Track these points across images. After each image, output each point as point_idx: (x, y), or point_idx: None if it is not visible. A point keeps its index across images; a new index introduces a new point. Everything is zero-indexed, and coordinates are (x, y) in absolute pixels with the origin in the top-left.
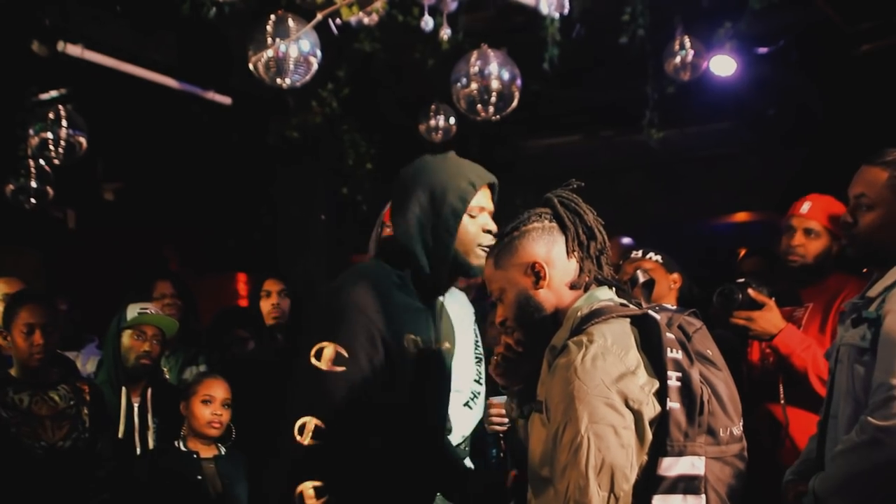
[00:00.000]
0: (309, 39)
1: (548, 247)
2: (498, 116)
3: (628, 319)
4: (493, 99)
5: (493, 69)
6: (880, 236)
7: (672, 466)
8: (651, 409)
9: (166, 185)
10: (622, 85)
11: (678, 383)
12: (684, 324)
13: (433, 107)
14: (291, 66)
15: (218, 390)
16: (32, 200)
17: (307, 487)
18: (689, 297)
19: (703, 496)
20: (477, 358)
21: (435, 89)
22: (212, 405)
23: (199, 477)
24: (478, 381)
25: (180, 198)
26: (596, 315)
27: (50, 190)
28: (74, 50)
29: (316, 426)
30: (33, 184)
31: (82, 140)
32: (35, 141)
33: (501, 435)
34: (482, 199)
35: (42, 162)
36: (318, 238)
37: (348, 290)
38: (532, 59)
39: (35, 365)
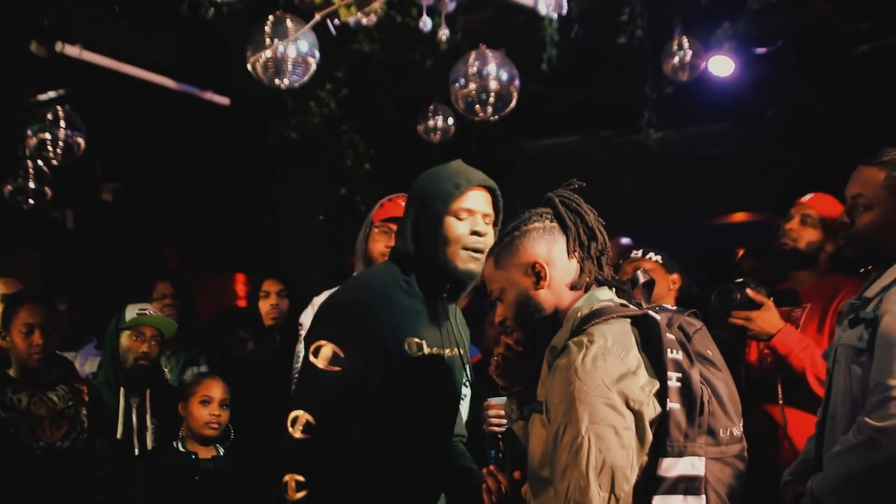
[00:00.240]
0: (307, 40)
1: (549, 247)
2: (496, 117)
3: (629, 320)
4: (492, 99)
5: (492, 70)
6: (878, 236)
7: (672, 467)
8: (651, 410)
9: (165, 186)
10: (621, 85)
11: (678, 384)
12: (684, 324)
13: (432, 107)
14: (290, 67)
15: (216, 391)
16: (31, 201)
17: (291, 479)
18: (689, 297)
19: (704, 497)
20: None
21: (433, 90)
22: (210, 406)
23: (198, 478)
24: (465, 385)
25: (179, 198)
26: (596, 315)
27: (48, 190)
28: (73, 50)
29: (307, 421)
30: (32, 184)
31: (81, 141)
32: (33, 141)
33: (500, 436)
34: (472, 202)
35: (40, 162)
36: (317, 238)
37: (352, 290)
38: (530, 59)
39: (34, 365)
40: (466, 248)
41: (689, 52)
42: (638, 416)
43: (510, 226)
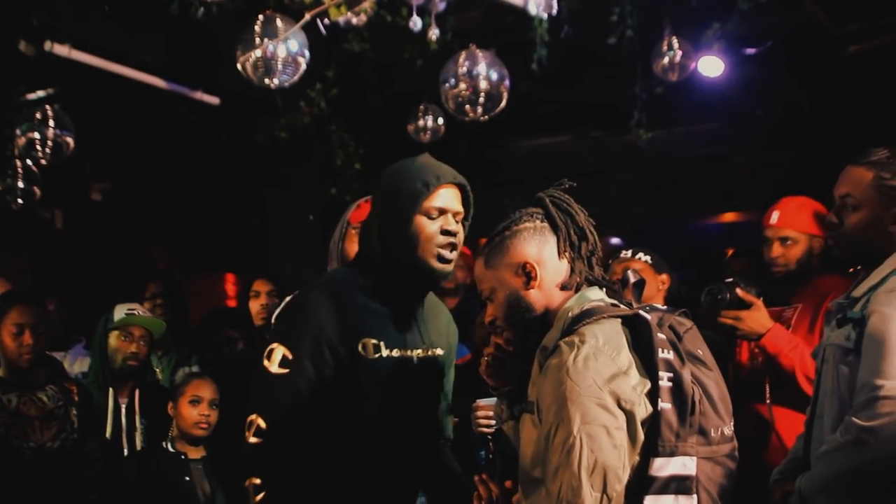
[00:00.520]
0: (297, 39)
1: (539, 247)
2: (486, 117)
3: (619, 320)
4: (482, 99)
5: (482, 69)
6: (866, 236)
7: (664, 467)
8: (643, 410)
9: (155, 186)
10: (611, 85)
11: (669, 384)
12: (675, 324)
13: (422, 107)
14: (280, 67)
15: (205, 391)
16: (19, 201)
17: (250, 483)
18: (678, 297)
19: (695, 496)
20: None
21: (423, 90)
22: (200, 406)
23: (187, 478)
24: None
25: (169, 198)
26: (587, 315)
27: (37, 190)
28: (62, 49)
29: (258, 425)
30: (20, 184)
31: (70, 140)
32: (22, 141)
33: (489, 437)
34: (442, 200)
35: (29, 162)
36: (307, 238)
37: (305, 293)
38: (520, 59)
39: (24, 365)
40: (439, 247)
41: (679, 53)
42: (629, 416)
43: (501, 226)
